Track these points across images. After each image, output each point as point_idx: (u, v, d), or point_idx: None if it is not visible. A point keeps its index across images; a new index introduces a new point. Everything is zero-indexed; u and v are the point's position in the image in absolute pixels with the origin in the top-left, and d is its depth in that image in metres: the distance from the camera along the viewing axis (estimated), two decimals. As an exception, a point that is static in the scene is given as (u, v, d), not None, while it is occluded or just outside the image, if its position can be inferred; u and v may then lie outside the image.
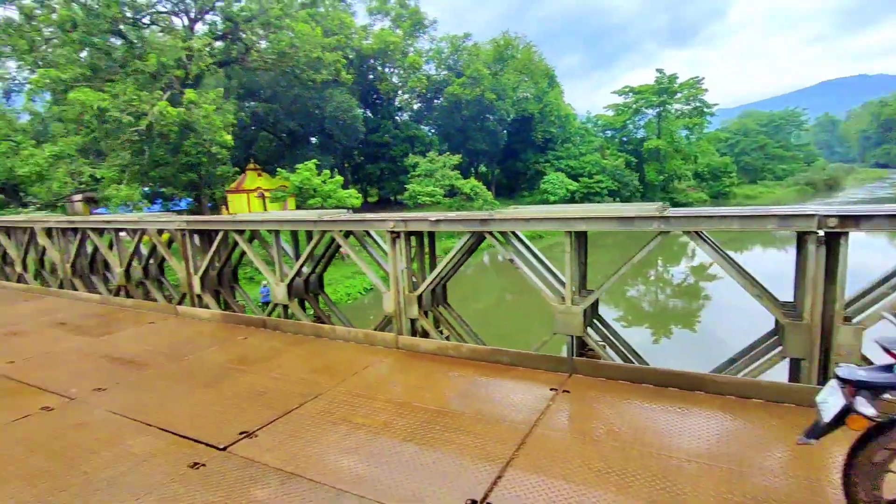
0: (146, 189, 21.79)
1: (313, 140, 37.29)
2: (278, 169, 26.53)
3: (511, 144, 46.29)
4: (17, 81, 28.01)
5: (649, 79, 53.16)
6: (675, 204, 53.20)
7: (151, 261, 7.13)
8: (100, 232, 7.40)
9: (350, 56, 33.42)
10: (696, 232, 3.60)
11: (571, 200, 43.56)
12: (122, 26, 19.81)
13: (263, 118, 32.75)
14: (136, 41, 20.16)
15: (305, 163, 25.72)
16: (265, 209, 35.67)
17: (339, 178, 25.94)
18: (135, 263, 7.13)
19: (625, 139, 51.95)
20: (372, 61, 38.58)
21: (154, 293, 7.10)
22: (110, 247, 7.41)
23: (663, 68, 49.96)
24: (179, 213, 25.77)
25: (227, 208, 34.78)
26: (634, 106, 49.13)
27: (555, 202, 42.50)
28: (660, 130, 48.64)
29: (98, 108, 17.29)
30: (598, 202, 44.17)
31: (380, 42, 35.35)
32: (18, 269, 8.95)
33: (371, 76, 39.73)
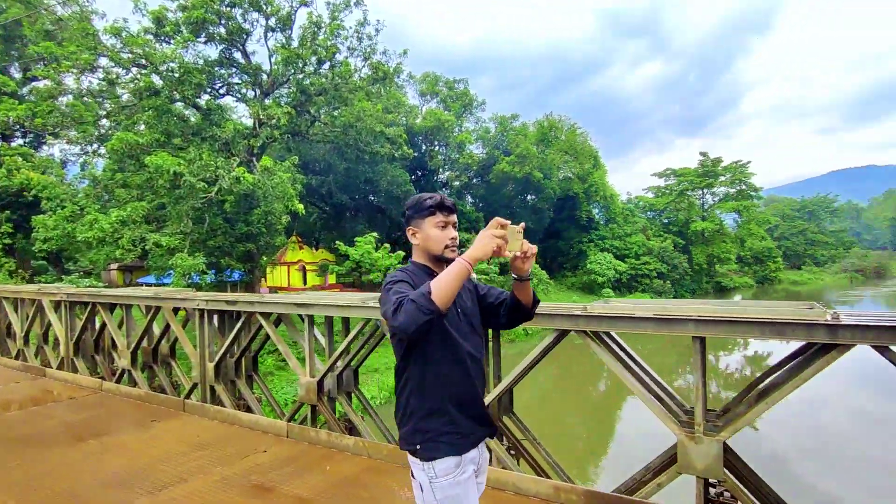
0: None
1: (359, 214, 36.63)
2: (337, 242, 25.30)
3: (554, 223, 45.39)
4: (72, 152, 27.92)
5: (665, 165, 53.60)
6: (721, 289, 51.01)
7: (163, 342, 6.34)
8: (111, 307, 6.48)
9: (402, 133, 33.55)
10: None
11: (619, 282, 41.77)
12: (203, 94, 19.51)
13: (316, 190, 32.23)
14: (213, 109, 19.76)
15: (365, 236, 24.52)
16: (305, 283, 34.25)
17: (400, 253, 24.56)
18: (144, 344, 6.28)
19: (666, 221, 50.97)
20: (420, 138, 38.80)
21: (163, 380, 6.19)
22: (120, 325, 6.60)
23: (706, 152, 49.96)
24: (232, 285, 24.24)
25: (266, 280, 33.43)
26: (678, 188, 48.56)
27: (603, 283, 40.71)
28: (706, 212, 47.65)
29: (173, 173, 16.33)
30: (648, 284, 42.28)
31: (434, 120, 35.62)
32: (20, 344, 8.07)
33: (416, 153, 39.86)
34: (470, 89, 41.40)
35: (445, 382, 1.86)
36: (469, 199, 47.05)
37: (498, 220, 1.75)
